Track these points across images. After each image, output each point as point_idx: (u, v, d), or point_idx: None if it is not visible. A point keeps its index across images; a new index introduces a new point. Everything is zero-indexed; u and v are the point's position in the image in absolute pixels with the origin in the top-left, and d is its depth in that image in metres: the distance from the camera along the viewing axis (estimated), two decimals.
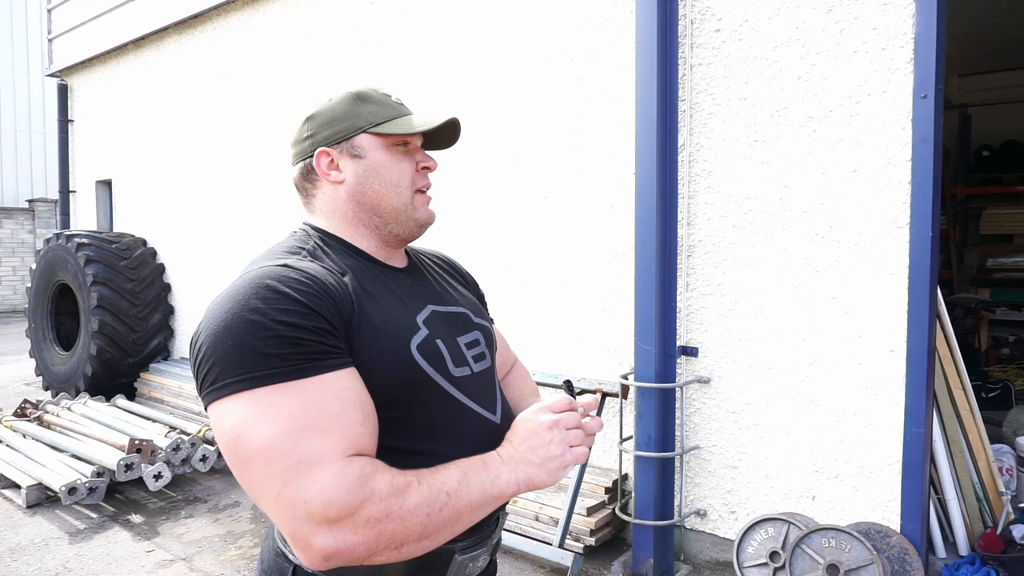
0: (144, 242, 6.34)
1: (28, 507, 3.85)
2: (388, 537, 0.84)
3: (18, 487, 3.95)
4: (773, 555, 2.88)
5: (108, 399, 5.47)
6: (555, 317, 3.70)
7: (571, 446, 0.98)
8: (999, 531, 3.01)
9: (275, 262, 0.97)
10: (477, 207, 3.97)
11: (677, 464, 3.22)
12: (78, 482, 3.71)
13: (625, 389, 3.27)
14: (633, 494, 3.19)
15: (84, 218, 7.32)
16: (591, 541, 3.19)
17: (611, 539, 3.33)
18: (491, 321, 1.28)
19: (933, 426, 2.91)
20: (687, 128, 3.13)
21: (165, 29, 5.98)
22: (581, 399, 1.07)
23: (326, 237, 1.09)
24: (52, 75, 7.40)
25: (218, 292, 0.95)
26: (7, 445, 4.44)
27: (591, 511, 3.26)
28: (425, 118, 1.12)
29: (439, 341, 1.06)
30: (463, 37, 4.01)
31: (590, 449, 1.02)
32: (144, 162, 6.48)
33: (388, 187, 1.09)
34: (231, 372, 0.84)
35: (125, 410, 5.10)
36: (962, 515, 3.06)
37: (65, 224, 7.46)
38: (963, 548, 3.01)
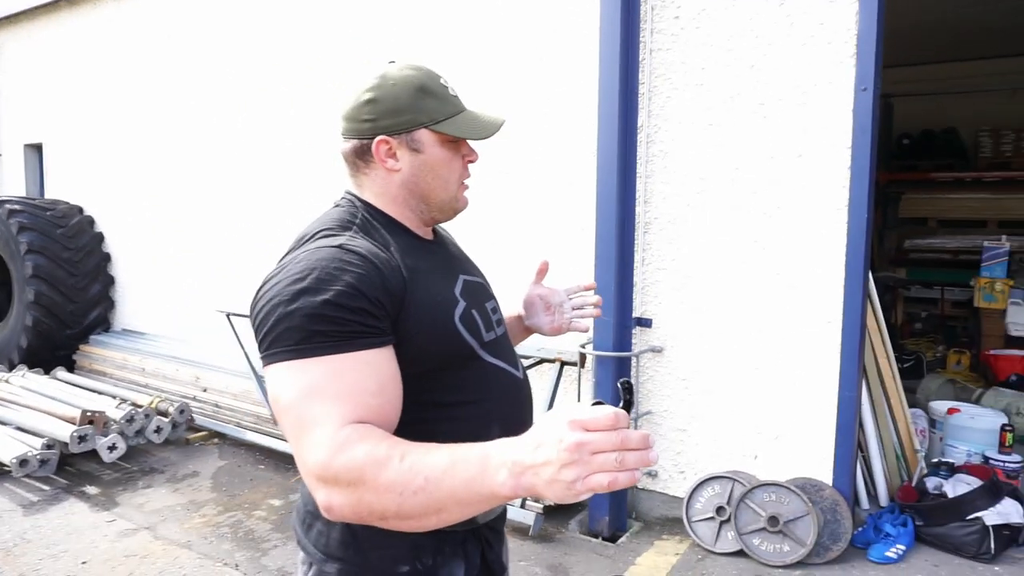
0: (80, 210, 6.10)
1: None
2: (367, 506, 0.87)
3: None
4: (719, 509, 3.13)
5: (46, 372, 5.30)
6: (514, 290, 3.82)
7: (592, 473, 0.75)
8: (914, 484, 3.36)
9: (331, 242, 1.04)
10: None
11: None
12: (29, 454, 3.64)
13: (583, 358, 3.44)
14: None
15: (11, 183, 6.96)
16: (550, 502, 3.36)
17: None
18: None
19: (862, 391, 3.21)
20: (646, 110, 3.29)
21: None
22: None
23: (372, 211, 1.16)
24: None
25: (279, 261, 1.04)
26: None
27: None
28: (482, 121, 1.18)
29: (474, 311, 1.17)
30: (432, 13, 4.04)
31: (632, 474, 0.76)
32: (80, 126, 6.20)
33: (440, 182, 1.16)
34: (279, 343, 0.95)
35: (67, 383, 4.96)
36: (883, 471, 3.39)
37: None
38: (884, 500, 3.34)
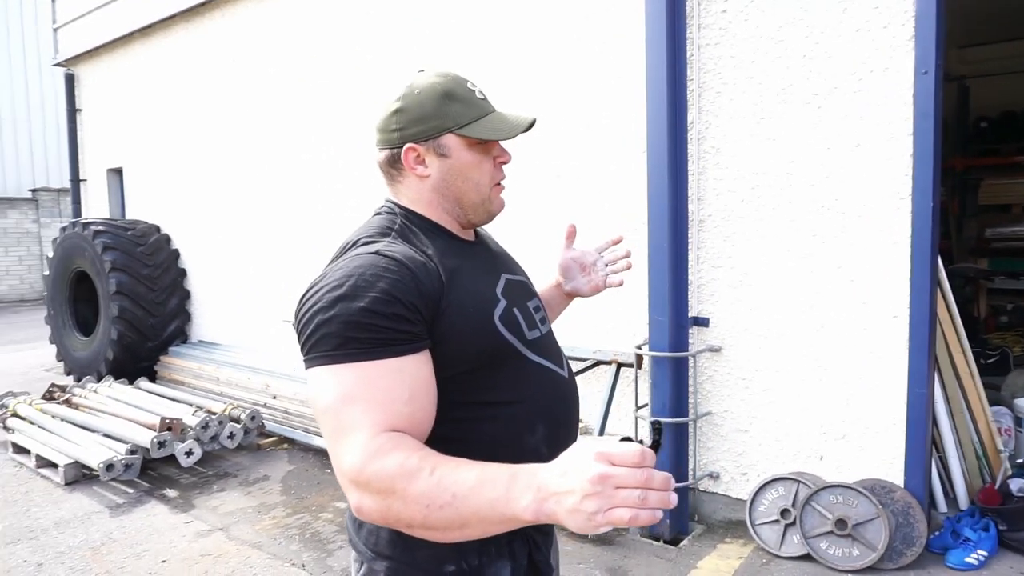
0: (158, 228, 6.45)
1: (66, 484, 4.01)
2: (395, 514, 0.91)
3: (55, 466, 4.10)
4: (784, 512, 3.04)
5: (131, 382, 5.62)
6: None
7: (613, 507, 0.76)
8: (997, 485, 3.17)
9: (369, 249, 1.08)
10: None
11: (690, 429, 3.37)
12: (115, 459, 3.87)
13: (639, 359, 3.41)
14: None
15: (96, 206, 7.42)
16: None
17: None
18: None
19: (935, 388, 3.06)
20: (696, 107, 3.24)
21: (172, 17, 6.04)
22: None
23: (411, 216, 1.19)
24: (59, 64, 7.46)
25: (322, 268, 1.09)
26: (40, 427, 4.59)
27: None
28: (508, 122, 1.19)
29: (515, 309, 1.19)
30: (481, 22, 4.10)
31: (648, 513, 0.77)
32: (155, 150, 6.57)
33: (471, 185, 1.18)
34: (318, 348, 0.99)
35: (149, 392, 5.25)
36: (962, 471, 3.22)
37: (77, 213, 7.55)
38: (963, 502, 3.17)
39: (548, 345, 1.24)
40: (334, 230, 4.87)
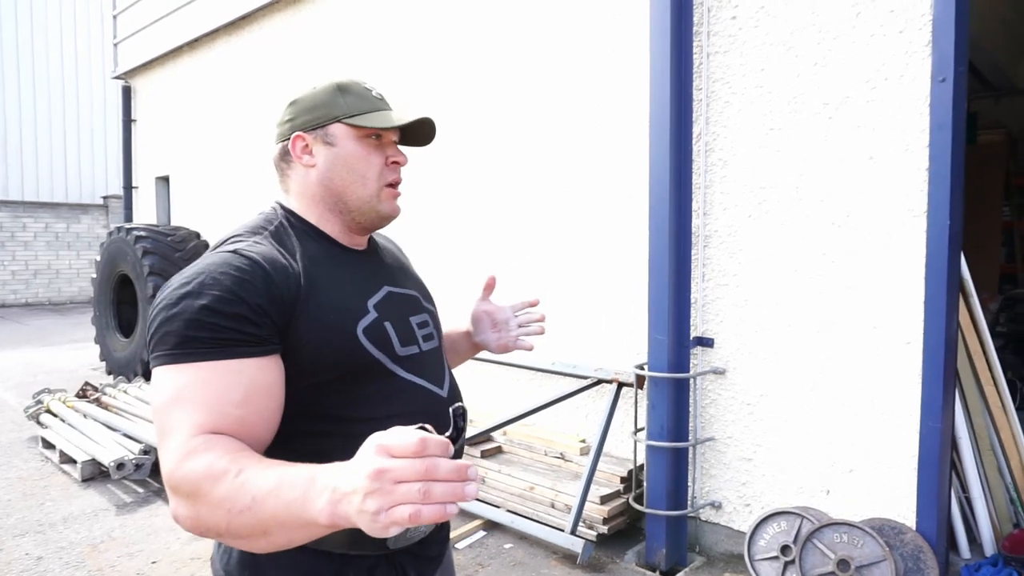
0: (198, 235, 6.65)
1: (83, 480, 4.12)
2: (203, 521, 0.84)
3: (75, 462, 4.23)
4: (784, 548, 2.84)
5: None
6: (572, 307, 3.73)
7: (396, 504, 0.68)
8: None
9: (227, 247, 1.04)
10: (491, 198, 4.04)
11: (691, 455, 3.20)
12: (125, 458, 3.96)
13: (640, 379, 3.27)
14: (645, 484, 3.19)
15: (146, 212, 7.73)
16: (604, 529, 3.21)
17: (626, 528, 3.35)
18: (435, 307, 1.35)
19: (957, 422, 2.82)
20: (703, 117, 3.11)
21: (216, 31, 6.26)
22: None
23: (292, 218, 1.15)
24: (117, 77, 7.83)
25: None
26: (68, 424, 4.76)
27: (605, 499, 3.28)
28: (399, 115, 1.17)
29: (387, 323, 1.12)
30: (489, 33, 4.07)
31: (447, 506, 0.69)
32: (198, 158, 6.79)
33: (355, 177, 1.14)
34: (160, 346, 0.95)
35: None
36: (989, 514, 2.95)
37: (129, 218, 7.89)
38: (989, 548, 2.90)
39: (427, 363, 1.17)
40: None
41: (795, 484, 2.96)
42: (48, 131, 14.67)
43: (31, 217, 13.99)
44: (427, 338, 1.20)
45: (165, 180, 7.48)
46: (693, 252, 3.16)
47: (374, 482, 0.69)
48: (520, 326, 1.42)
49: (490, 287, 1.45)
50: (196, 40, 6.53)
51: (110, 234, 6.62)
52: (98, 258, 6.87)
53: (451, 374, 1.26)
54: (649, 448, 3.14)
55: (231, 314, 0.95)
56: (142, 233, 6.24)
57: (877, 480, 2.74)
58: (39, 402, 5.23)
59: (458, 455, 0.75)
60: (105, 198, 14.91)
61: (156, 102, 7.36)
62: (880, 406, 2.72)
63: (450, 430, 0.81)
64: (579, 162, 3.65)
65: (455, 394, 1.23)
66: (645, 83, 3.21)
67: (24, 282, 13.98)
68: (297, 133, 1.13)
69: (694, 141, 3.12)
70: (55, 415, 4.97)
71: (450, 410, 0.87)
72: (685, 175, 3.09)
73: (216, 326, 0.94)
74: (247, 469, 0.83)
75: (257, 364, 0.96)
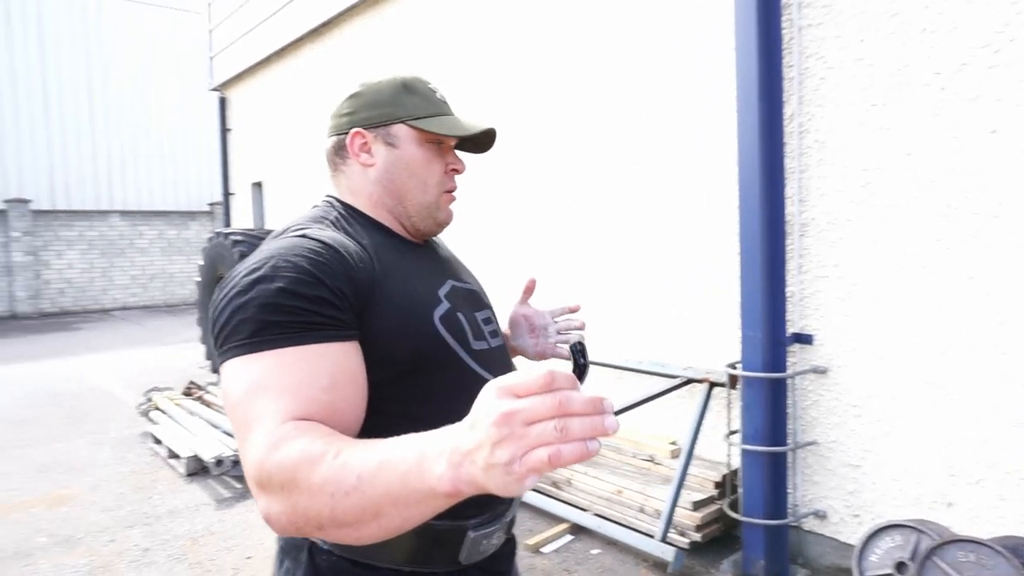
0: None
1: (187, 475, 4.33)
2: (302, 512, 0.74)
3: (180, 457, 4.46)
4: (900, 566, 2.59)
5: None
6: (660, 304, 3.56)
7: (531, 448, 0.59)
8: None
9: (295, 232, 0.99)
10: (568, 192, 3.92)
11: (790, 460, 2.99)
12: (223, 455, 4.13)
13: (733, 379, 3.08)
14: (740, 490, 3.00)
15: (243, 217, 8.09)
16: (697, 537, 3.05)
17: (721, 536, 3.17)
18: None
19: None
20: (796, 97, 2.88)
21: (301, 39, 6.44)
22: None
23: (349, 210, 1.11)
24: (214, 89, 8.23)
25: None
26: (174, 420, 5.02)
27: (697, 505, 3.11)
28: (465, 123, 1.12)
29: (460, 314, 1.07)
30: (565, 22, 3.96)
31: (591, 444, 0.59)
32: (286, 163, 7.03)
33: (416, 182, 1.10)
34: (232, 338, 0.87)
35: None
36: None
37: (228, 223, 8.29)
38: None
39: (497, 360, 1.11)
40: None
41: (910, 494, 2.70)
42: (159, 144, 15.67)
43: (147, 225, 15.00)
44: (493, 334, 1.15)
45: (259, 186, 7.80)
46: (788, 242, 2.94)
47: (503, 428, 0.60)
48: (559, 332, 1.32)
49: (530, 290, 1.37)
50: (283, 49, 6.75)
51: (210, 239, 6.96)
52: (201, 262, 7.25)
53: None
54: (744, 452, 2.95)
55: (312, 296, 0.88)
56: (239, 237, 6.51)
57: (1009, 493, 2.45)
58: (149, 399, 5.56)
59: None
60: (211, 205, 15.79)
61: (248, 111, 7.68)
62: (1009, 409, 2.43)
63: (572, 366, 0.70)
64: (662, 152, 3.48)
65: None
66: (730, 63, 3.01)
67: (142, 286, 15.01)
68: (356, 129, 1.09)
69: (786, 122, 2.89)
70: (163, 412, 5.26)
71: (570, 345, 0.75)
72: (777, 160, 2.87)
73: (297, 308, 0.87)
74: (346, 449, 0.74)
75: (342, 349, 0.89)
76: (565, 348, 1.29)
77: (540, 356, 1.33)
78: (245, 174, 7.93)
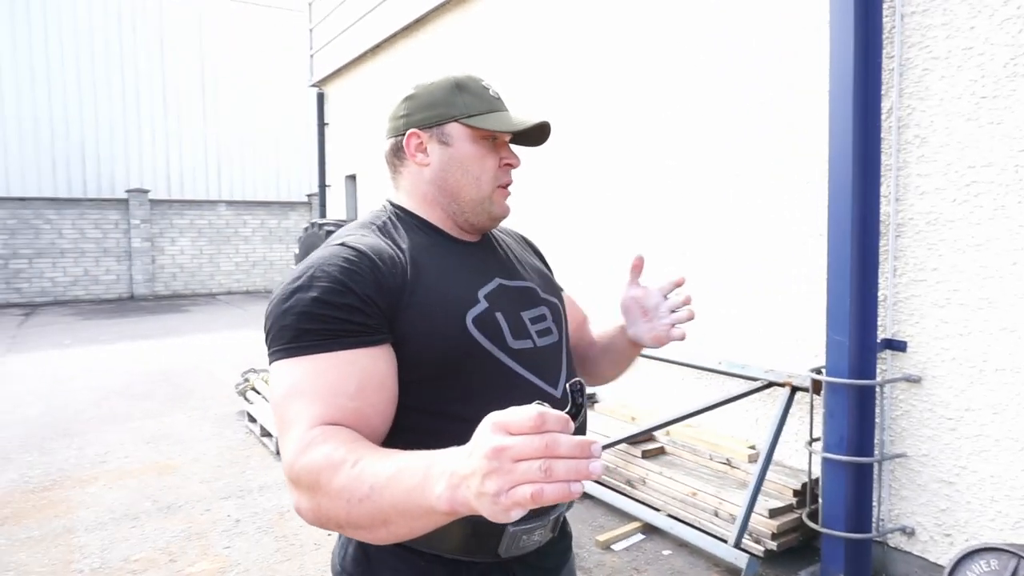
0: None
1: (277, 454, 4.58)
2: (324, 512, 0.83)
3: (271, 436, 4.71)
4: None
5: None
6: (741, 303, 3.46)
7: (517, 484, 0.63)
8: None
9: (336, 240, 1.06)
10: (659, 186, 3.85)
11: (876, 472, 2.84)
12: None
13: (816, 384, 2.95)
14: (820, 500, 2.89)
15: (337, 208, 8.42)
16: (772, 545, 2.96)
17: (798, 547, 3.05)
18: (560, 292, 1.27)
19: None
20: (895, 89, 2.72)
21: (394, 35, 6.62)
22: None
23: (402, 213, 1.15)
24: (313, 85, 8.59)
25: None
26: (268, 401, 5.31)
27: (774, 513, 3.02)
28: (517, 118, 1.14)
29: (499, 314, 1.08)
30: (652, 19, 3.89)
31: (574, 486, 0.63)
32: (380, 157, 7.25)
33: (470, 179, 1.12)
34: (276, 342, 0.97)
35: None
36: None
37: (323, 214, 8.65)
38: None
39: (541, 359, 1.11)
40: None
41: (1010, 516, 2.51)
42: (262, 138, 16.53)
43: (250, 214, 15.86)
44: (543, 333, 1.14)
45: (352, 178, 8.10)
46: (882, 243, 2.79)
47: (492, 461, 0.64)
48: (672, 311, 1.25)
49: (638, 267, 1.29)
50: (377, 46, 6.96)
51: (306, 229, 7.29)
52: (298, 251, 7.60)
53: (571, 374, 1.18)
54: (826, 461, 2.83)
55: (341, 304, 0.95)
56: (332, 228, 6.78)
57: None
58: (246, 380, 5.90)
59: (579, 434, 0.67)
60: (308, 196, 16.51)
61: (344, 106, 7.98)
62: None
63: (568, 406, 0.73)
64: (747, 149, 3.37)
65: (570, 395, 1.15)
66: (824, 54, 2.88)
67: (245, 272, 15.89)
68: (412, 130, 1.12)
69: (884, 117, 2.74)
70: (258, 392, 5.57)
71: (567, 385, 0.80)
72: (872, 156, 2.72)
73: (327, 317, 0.94)
74: (364, 458, 0.82)
75: (370, 354, 0.96)
76: (679, 331, 1.22)
77: (657, 342, 1.26)
78: (340, 167, 8.25)
